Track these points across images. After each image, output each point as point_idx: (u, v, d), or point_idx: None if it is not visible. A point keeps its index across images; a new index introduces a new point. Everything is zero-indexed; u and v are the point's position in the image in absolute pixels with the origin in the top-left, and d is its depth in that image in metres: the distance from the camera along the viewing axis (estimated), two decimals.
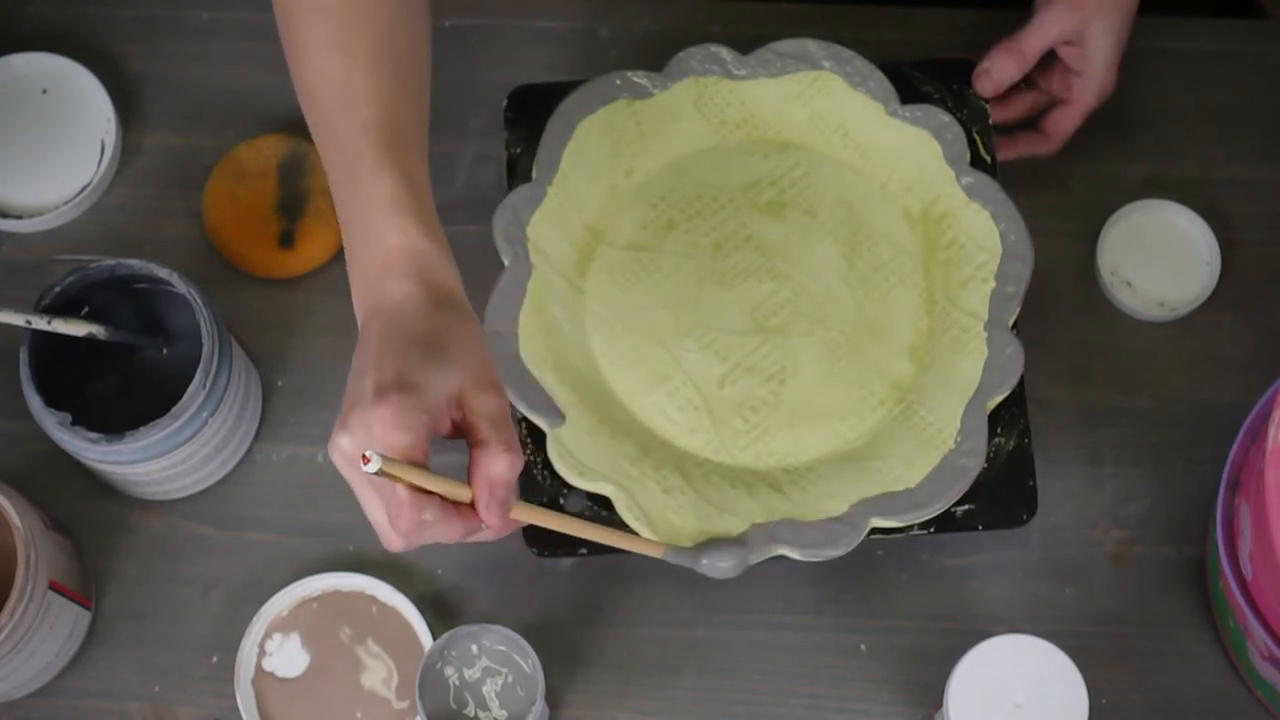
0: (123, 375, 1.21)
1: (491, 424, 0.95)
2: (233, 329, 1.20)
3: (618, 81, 1.21)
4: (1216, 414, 1.23)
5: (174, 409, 1.14)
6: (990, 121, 1.21)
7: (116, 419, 1.15)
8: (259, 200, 1.27)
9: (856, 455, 1.15)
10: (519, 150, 1.21)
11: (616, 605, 1.21)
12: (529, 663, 1.11)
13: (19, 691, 1.18)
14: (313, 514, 1.23)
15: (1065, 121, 1.24)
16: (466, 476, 0.95)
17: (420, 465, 0.93)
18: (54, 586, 1.14)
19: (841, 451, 1.15)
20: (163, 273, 1.16)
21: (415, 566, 1.21)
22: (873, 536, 1.13)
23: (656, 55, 1.23)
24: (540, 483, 1.15)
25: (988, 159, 1.20)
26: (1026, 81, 1.24)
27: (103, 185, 1.29)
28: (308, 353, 1.25)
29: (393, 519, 0.94)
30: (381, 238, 0.99)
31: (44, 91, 1.30)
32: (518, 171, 1.21)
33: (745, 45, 1.22)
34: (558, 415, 1.14)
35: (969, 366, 1.15)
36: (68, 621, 1.17)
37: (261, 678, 1.20)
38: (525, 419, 1.15)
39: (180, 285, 1.16)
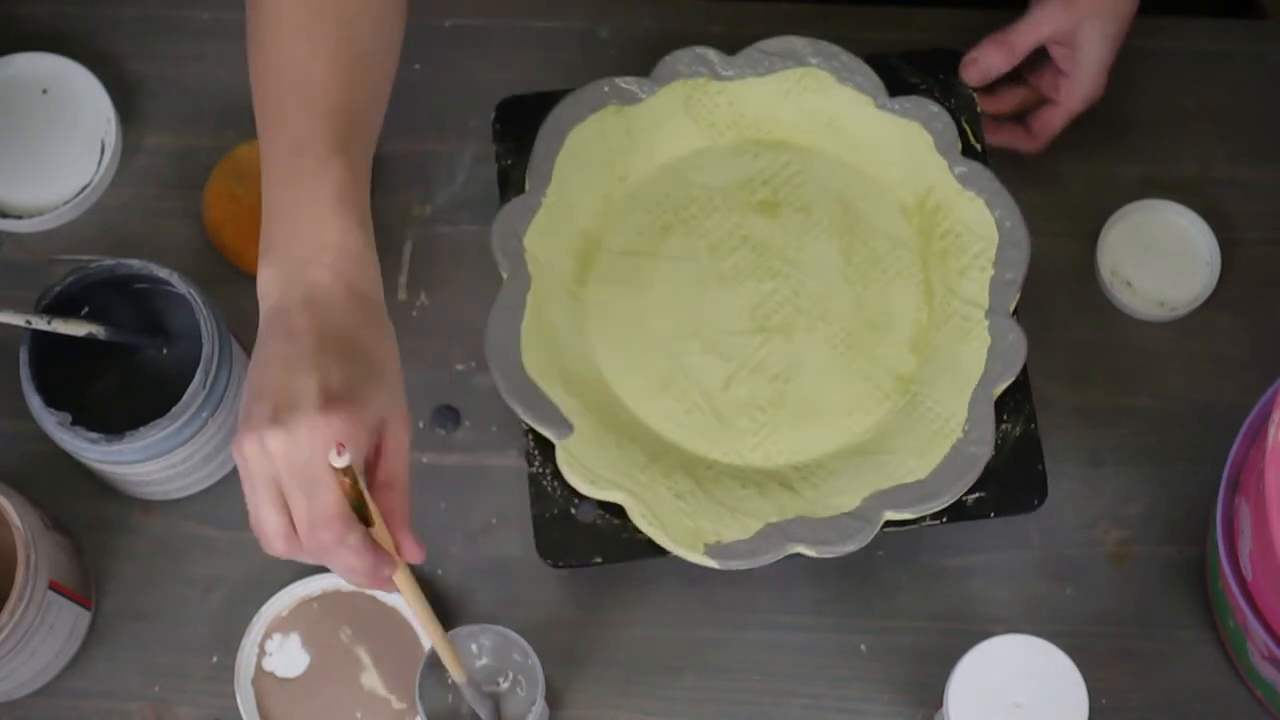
0: (123, 375, 1.21)
1: (405, 463, 0.93)
2: (233, 329, 1.20)
3: (606, 88, 1.20)
4: (1216, 414, 1.23)
5: (174, 409, 1.14)
6: (979, 110, 1.21)
7: (116, 419, 1.15)
8: (259, 200, 1.26)
9: (865, 449, 1.15)
10: (510, 162, 1.21)
11: (616, 605, 1.21)
12: (529, 663, 1.11)
13: (19, 691, 1.18)
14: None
15: (1051, 121, 1.24)
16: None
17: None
18: (54, 586, 1.14)
19: (850, 446, 1.15)
20: (163, 273, 1.16)
21: (416, 567, 1.21)
22: (885, 530, 1.13)
23: (656, 55, 1.23)
24: (551, 494, 1.14)
25: (978, 147, 1.21)
26: (1017, 77, 1.24)
27: (103, 185, 1.29)
28: None
29: (313, 529, 0.91)
30: (317, 227, 0.95)
31: (44, 91, 1.30)
32: (510, 183, 1.21)
33: (744, 45, 1.22)
34: (565, 425, 1.13)
35: (972, 355, 1.16)
36: (68, 621, 1.17)
37: (261, 678, 1.20)
38: (532, 430, 1.15)
39: (180, 285, 1.16)
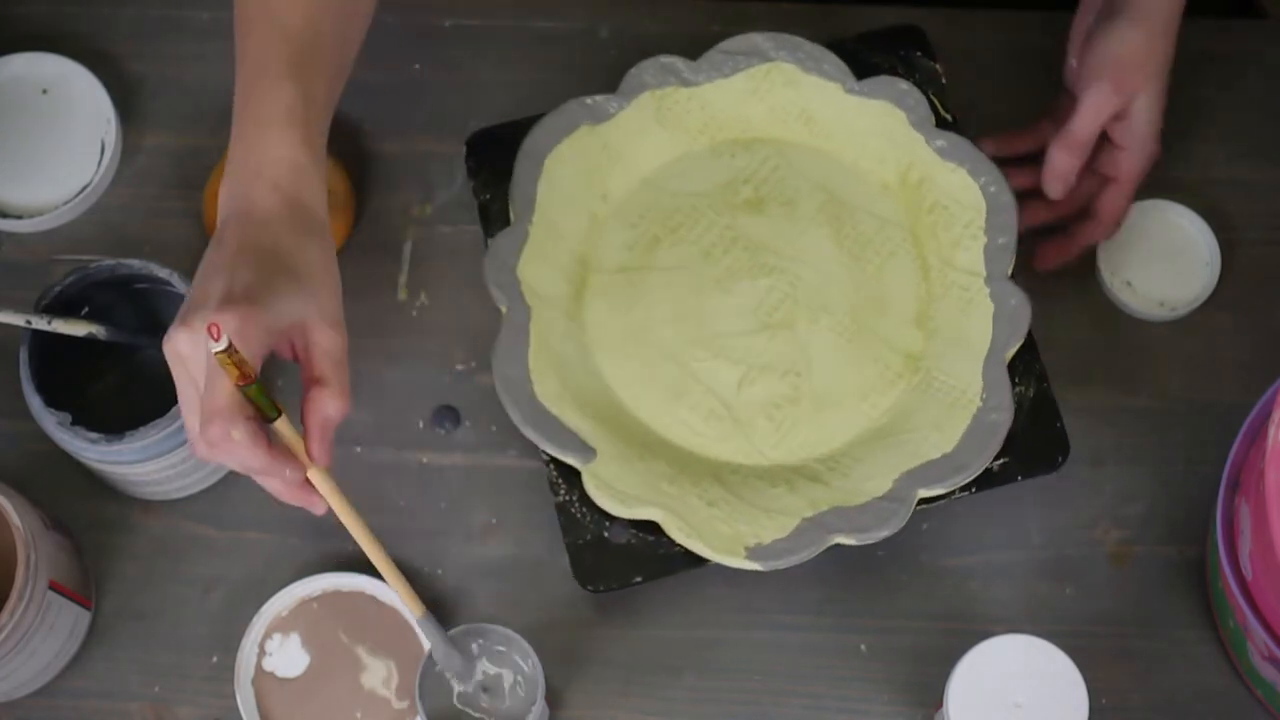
0: (123, 375, 1.22)
1: (333, 363, 0.97)
2: None
3: (576, 108, 1.20)
4: (1216, 414, 1.23)
5: (174, 409, 1.14)
6: (943, 81, 1.22)
7: (116, 419, 1.15)
8: None
9: (887, 431, 1.15)
10: (489, 196, 1.21)
11: (616, 605, 1.20)
12: (529, 663, 1.11)
13: (19, 691, 1.18)
14: (313, 514, 1.22)
15: (1117, 200, 1.21)
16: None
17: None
18: (54, 586, 1.14)
19: (871, 430, 1.15)
20: (163, 273, 1.16)
21: (415, 567, 1.21)
22: (920, 507, 1.13)
23: (656, 55, 1.23)
24: (581, 520, 1.14)
25: (949, 119, 1.21)
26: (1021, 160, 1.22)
27: (103, 185, 1.29)
28: None
29: (204, 424, 0.94)
30: (265, 145, 1.00)
31: (44, 91, 1.30)
32: (491, 216, 1.20)
33: None
34: (588, 451, 1.13)
35: (978, 324, 1.16)
36: (68, 621, 1.17)
37: (261, 678, 1.20)
38: (552, 459, 1.14)
39: (180, 285, 1.16)
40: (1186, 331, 1.25)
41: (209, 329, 0.90)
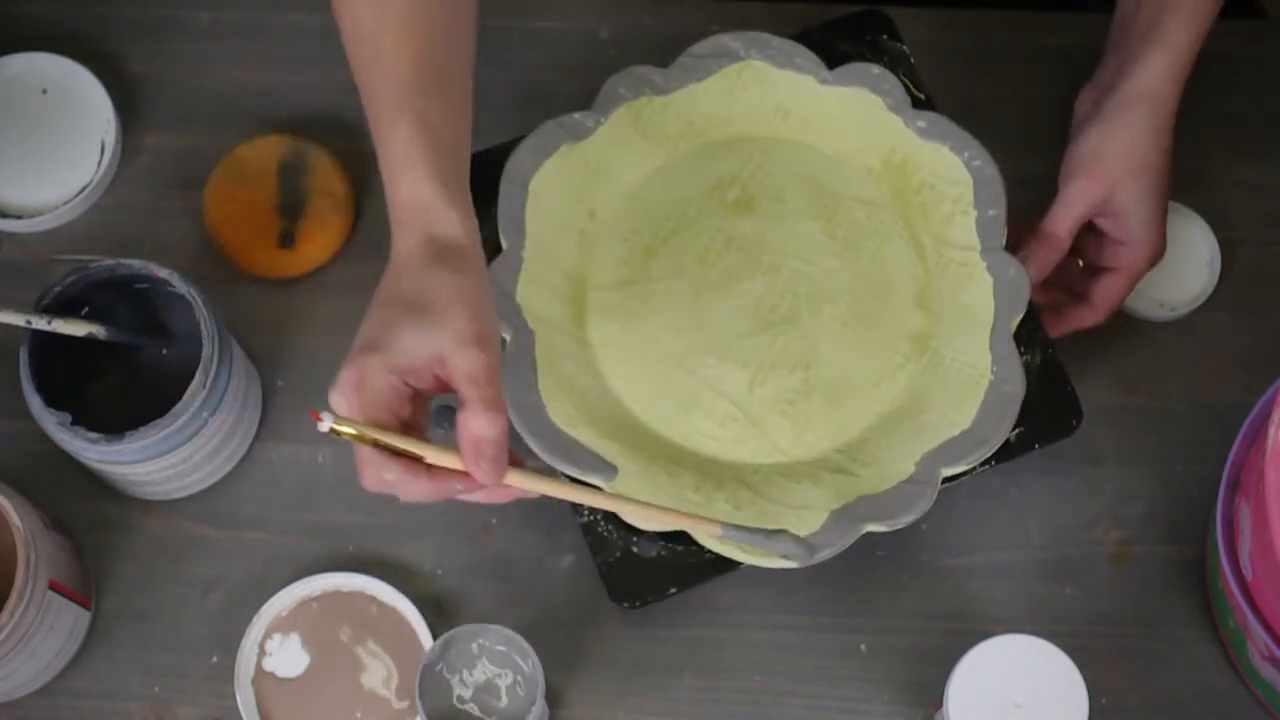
0: (123, 375, 1.21)
1: (471, 382, 0.96)
2: (233, 329, 1.20)
3: (554, 129, 1.20)
4: (1216, 414, 1.23)
5: (174, 409, 1.14)
6: (913, 63, 1.22)
7: (116, 419, 1.15)
8: (259, 200, 1.27)
9: (903, 415, 1.15)
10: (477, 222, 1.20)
11: (616, 605, 1.20)
12: (529, 663, 1.11)
13: (19, 691, 1.18)
14: (313, 514, 1.23)
15: (1113, 291, 1.20)
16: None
17: (385, 425, 0.96)
18: (54, 586, 1.14)
19: (887, 416, 1.15)
20: (163, 273, 1.16)
21: (415, 567, 1.21)
22: (943, 485, 1.13)
23: (657, 55, 1.23)
24: (609, 539, 1.14)
25: (922, 97, 1.21)
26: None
27: (103, 185, 1.29)
28: (308, 353, 1.25)
29: (360, 474, 0.97)
30: (393, 190, 1.01)
31: (44, 91, 1.30)
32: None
33: None
34: (609, 469, 1.13)
35: (979, 297, 1.16)
36: (68, 621, 1.17)
37: (261, 678, 1.20)
38: (574, 480, 1.14)
39: (180, 285, 1.16)
40: (1186, 331, 1.26)
41: (312, 413, 0.93)
